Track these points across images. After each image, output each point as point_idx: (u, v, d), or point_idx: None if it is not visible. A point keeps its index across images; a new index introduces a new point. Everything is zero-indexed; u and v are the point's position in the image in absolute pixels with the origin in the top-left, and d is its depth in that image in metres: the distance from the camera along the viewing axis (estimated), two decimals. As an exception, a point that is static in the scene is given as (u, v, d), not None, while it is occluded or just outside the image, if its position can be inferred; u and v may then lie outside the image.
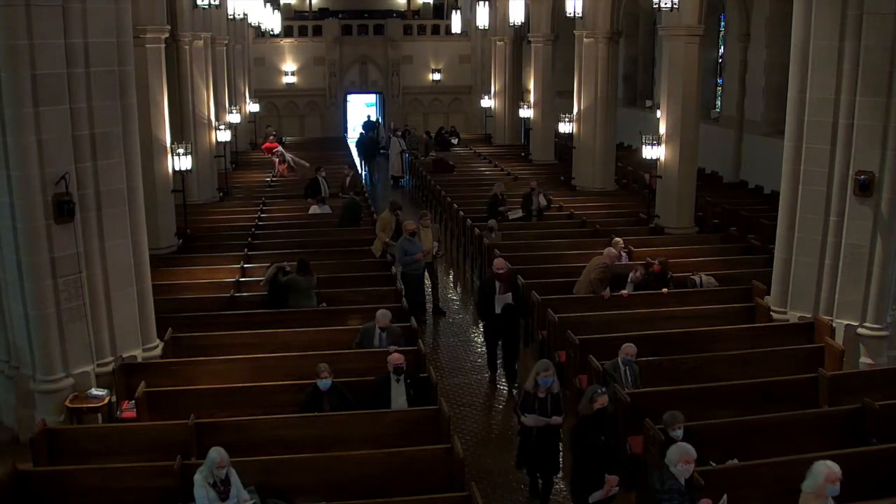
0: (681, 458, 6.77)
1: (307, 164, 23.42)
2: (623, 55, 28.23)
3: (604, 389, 8.06)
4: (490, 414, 10.75)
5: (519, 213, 17.91)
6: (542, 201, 18.01)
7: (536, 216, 17.90)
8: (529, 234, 16.98)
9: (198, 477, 7.35)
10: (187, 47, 18.33)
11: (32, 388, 9.57)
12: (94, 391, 9.59)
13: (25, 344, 9.54)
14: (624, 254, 14.45)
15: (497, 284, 11.47)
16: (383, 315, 10.61)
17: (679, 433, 7.94)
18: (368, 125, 31.56)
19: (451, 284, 16.95)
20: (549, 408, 8.31)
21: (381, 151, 30.47)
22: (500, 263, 11.64)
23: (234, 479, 7.45)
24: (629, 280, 12.82)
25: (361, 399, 9.21)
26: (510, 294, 11.52)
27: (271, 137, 28.56)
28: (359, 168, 27.91)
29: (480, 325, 13.23)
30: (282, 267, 12.23)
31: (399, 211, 15.48)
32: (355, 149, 30.08)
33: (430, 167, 25.53)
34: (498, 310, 11.45)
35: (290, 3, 37.50)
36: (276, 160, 24.21)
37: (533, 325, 12.82)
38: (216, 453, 7.31)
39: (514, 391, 11.27)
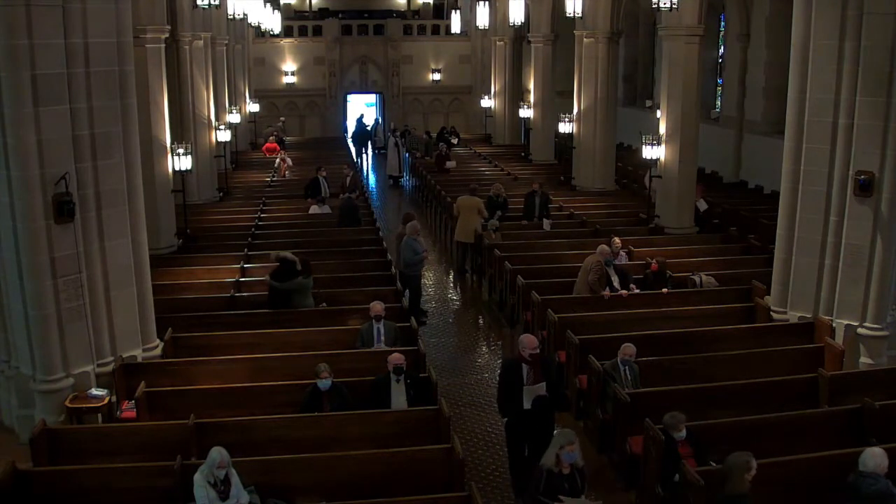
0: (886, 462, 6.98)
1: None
2: (623, 55, 28.23)
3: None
4: (490, 414, 10.73)
5: (495, 218, 16.98)
6: (546, 223, 17.51)
7: (539, 218, 17.75)
8: (529, 234, 16.97)
9: (198, 476, 7.36)
10: (187, 47, 18.33)
11: (32, 388, 9.57)
12: (94, 391, 9.58)
13: (25, 344, 9.53)
14: (623, 253, 14.46)
15: (525, 370, 8.45)
16: (376, 303, 10.69)
17: (682, 434, 7.98)
18: (360, 122, 33.15)
19: (452, 284, 16.95)
20: (579, 485, 7.02)
21: (381, 151, 30.69)
22: (531, 342, 8.51)
23: (235, 479, 7.45)
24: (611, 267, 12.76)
25: (361, 399, 9.21)
26: (544, 384, 8.47)
27: (271, 138, 28.57)
28: (355, 159, 29.00)
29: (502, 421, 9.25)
30: (285, 257, 12.03)
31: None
32: (351, 141, 32.14)
33: (434, 162, 25.61)
34: (527, 404, 8.43)
35: (290, 3, 37.48)
36: (283, 162, 24.26)
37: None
38: (217, 453, 7.32)
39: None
